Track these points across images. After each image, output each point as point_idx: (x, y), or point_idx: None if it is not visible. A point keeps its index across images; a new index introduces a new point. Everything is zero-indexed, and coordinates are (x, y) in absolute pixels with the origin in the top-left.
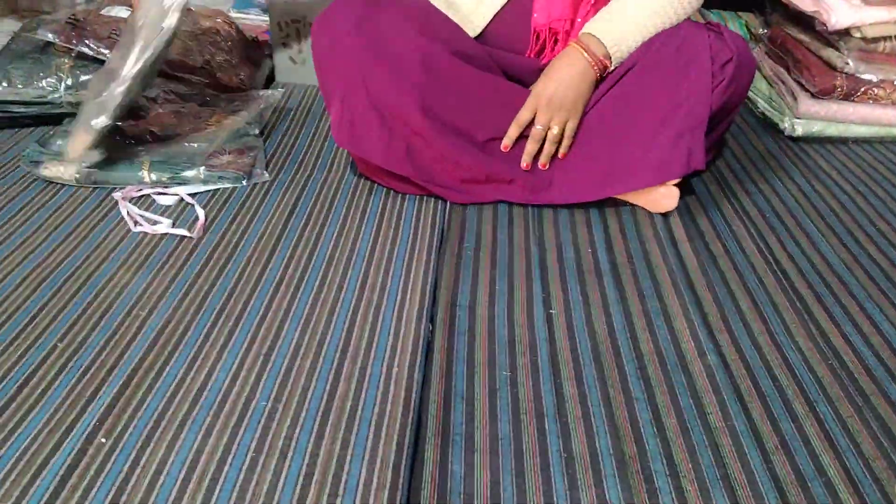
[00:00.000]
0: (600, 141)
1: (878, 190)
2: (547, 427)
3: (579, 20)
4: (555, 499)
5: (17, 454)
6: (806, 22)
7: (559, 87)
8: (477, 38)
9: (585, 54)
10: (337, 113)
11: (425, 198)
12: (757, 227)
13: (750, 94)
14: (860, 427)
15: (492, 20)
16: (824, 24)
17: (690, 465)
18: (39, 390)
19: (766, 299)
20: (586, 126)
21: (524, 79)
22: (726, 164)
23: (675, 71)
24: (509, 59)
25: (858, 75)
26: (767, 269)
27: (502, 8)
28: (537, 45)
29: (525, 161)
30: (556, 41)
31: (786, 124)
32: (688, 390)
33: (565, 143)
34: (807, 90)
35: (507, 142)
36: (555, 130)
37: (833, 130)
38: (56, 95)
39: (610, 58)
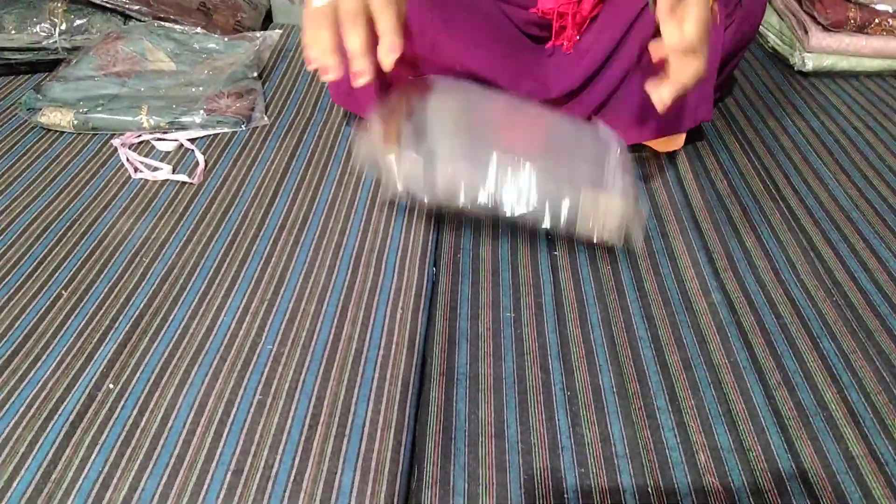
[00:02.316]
0: (611, 88)
1: (889, 125)
2: (550, 366)
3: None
4: (558, 435)
5: (27, 401)
6: None
7: None
8: None
9: None
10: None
11: None
12: (763, 164)
13: (760, 27)
14: (863, 362)
15: None
16: None
17: (693, 402)
18: (45, 339)
19: (772, 236)
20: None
21: (524, 29)
22: (734, 100)
23: None
24: (511, 10)
25: (873, 6)
26: (773, 207)
27: None
28: (543, 19)
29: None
30: (562, 27)
31: (796, 59)
32: (691, 328)
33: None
34: (818, 23)
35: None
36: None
37: (844, 64)
38: (51, 41)
39: None
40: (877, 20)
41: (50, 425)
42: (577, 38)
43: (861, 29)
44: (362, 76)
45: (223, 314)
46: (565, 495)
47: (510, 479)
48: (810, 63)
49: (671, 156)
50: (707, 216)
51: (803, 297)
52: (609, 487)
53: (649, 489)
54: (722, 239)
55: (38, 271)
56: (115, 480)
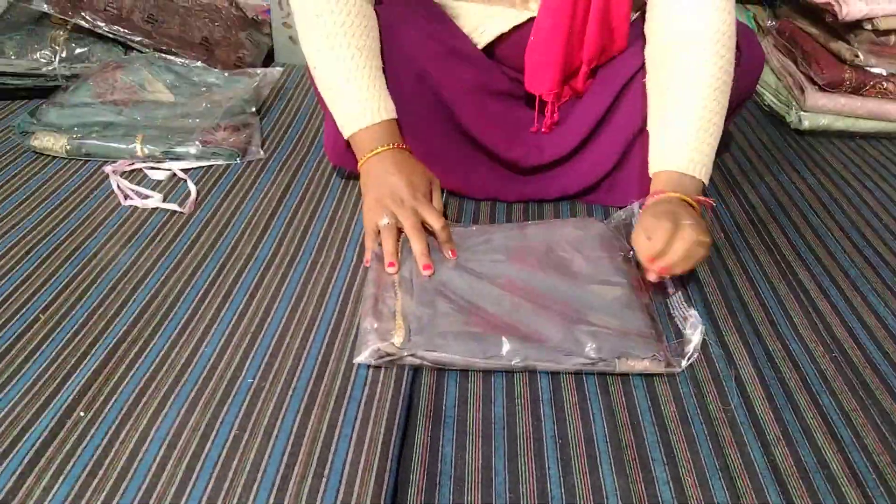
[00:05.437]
0: (610, 153)
1: (884, 185)
2: (542, 411)
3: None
4: (548, 485)
5: None
6: (815, 14)
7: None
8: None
9: (684, 204)
10: (332, 132)
11: None
12: (761, 219)
13: (756, 87)
14: (864, 421)
15: (494, 42)
16: (834, 16)
17: (689, 455)
18: (19, 361)
19: (770, 290)
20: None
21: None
22: (731, 157)
23: None
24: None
25: (868, 69)
26: (771, 261)
27: (500, 36)
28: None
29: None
30: (542, 110)
31: (792, 117)
32: (689, 380)
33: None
34: (815, 83)
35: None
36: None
37: (840, 125)
38: (50, 68)
39: (704, 183)
40: (871, 83)
41: (14, 451)
42: (555, 121)
43: (857, 90)
44: (429, 269)
45: (204, 346)
46: None
47: None
48: (806, 122)
49: None
50: (704, 267)
51: (802, 353)
52: None
53: None
54: (721, 290)
55: (17, 293)
56: None
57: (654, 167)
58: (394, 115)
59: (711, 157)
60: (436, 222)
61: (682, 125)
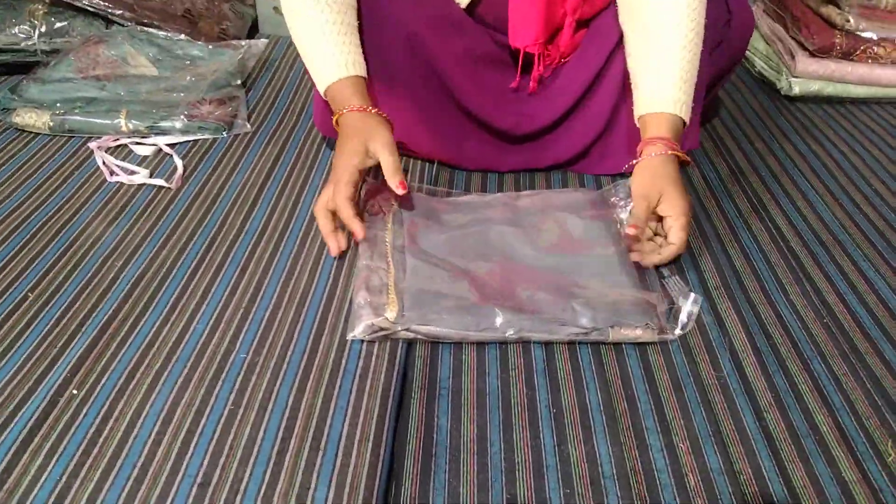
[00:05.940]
0: (600, 118)
1: (875, 150)
2: (536, 382)
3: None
4: (543, 454)
5: None
6: None
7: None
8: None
9: (666, 153)
10: (320, 102)
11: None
12: (751, 185)
13: (747, 52)
14: (854, 385)
15: (478, 3)
16: None
17: (682, 422)
18: (8, 341)
19: (761, 257)
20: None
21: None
22: (721, 123)
23: None
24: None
25: (858, 33)
26: (762, 227)
27: None
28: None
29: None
30: (530, 62)
31: (783, 83)
32: (681, 348)
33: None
34: (805, 49)
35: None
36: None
37: (831, 90)
38: (29, 43)
39: (684, 121)
40: (862, 47)
41: (7, 431)
42: (544, 78)
43: (847, 56)
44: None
45: (196, 321)
46: None
47: (492, 498)
48: (797, 88)
49: None
50: (697, 236)
51: (793, 318)
52: None
53: None
54: (713, 256)
55: (4, 273)
56: (73, 491)
57: (641, 110)
58: (362, 72)
59: (692, 95)
60: (345, 219)
61: (665, 69)
